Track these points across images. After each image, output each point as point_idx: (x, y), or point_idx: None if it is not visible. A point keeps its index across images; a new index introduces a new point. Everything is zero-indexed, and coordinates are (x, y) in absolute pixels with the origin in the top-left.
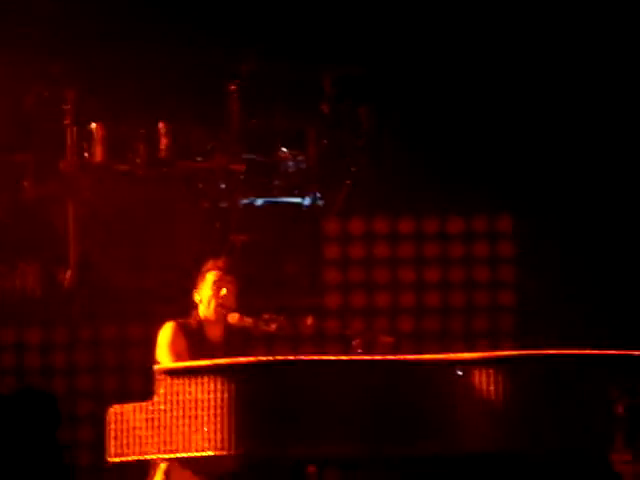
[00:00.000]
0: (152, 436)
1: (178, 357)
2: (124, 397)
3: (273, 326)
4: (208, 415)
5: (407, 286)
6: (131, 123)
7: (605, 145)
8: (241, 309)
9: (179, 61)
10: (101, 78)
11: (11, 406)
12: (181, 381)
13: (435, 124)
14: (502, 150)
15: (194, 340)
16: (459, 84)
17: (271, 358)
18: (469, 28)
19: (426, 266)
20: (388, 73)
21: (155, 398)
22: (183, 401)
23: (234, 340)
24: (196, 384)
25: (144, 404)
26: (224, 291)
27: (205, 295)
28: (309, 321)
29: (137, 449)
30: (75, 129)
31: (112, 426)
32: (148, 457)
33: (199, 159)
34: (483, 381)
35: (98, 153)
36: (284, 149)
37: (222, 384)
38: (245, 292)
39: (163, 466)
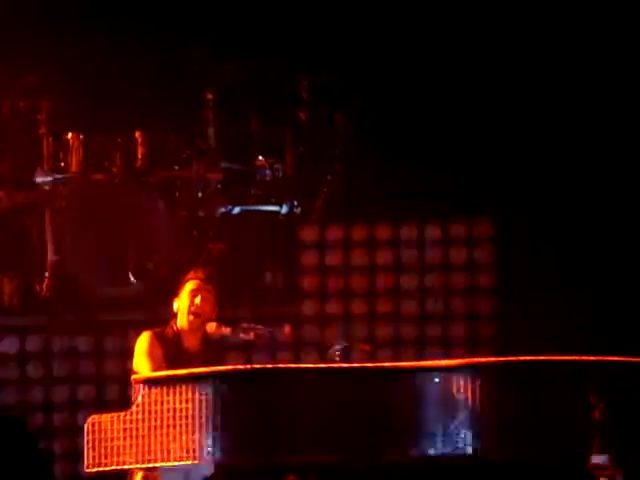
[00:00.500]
0: (130, 446)
1: (156, 366)
2: (101, 407)
3: (251, 334)
4: (186, 424)
5: (385, 293)
6: (107, 132)
7: (585, 147)
8: (219, 318)
9: (155, 69)
10: (77, 87)
11: None
12: (159, 390)
13: (413, 130)
14: (480, 155)
15: (170, 350)
16: (436, 91)
17: (249, 367)
18: (446, 37)
19: (404, 273)
20: (365, 80)
21: (133, 408)
22: (161, 410)
23: (211, 349)
24: (174, 393)
25: (122, 414)
26: (198, 299)
27: (182, 304)
28: (287, 329)
29: (115, 459)
30: (51, 139)
31: (90, 436)
32: (126, 467)
33: (176, 168)
34: (461, 388)
35: (74, 163)
36: (261, 157)
37: (200, 393)
38: (223, 301)
39: (140, 475)
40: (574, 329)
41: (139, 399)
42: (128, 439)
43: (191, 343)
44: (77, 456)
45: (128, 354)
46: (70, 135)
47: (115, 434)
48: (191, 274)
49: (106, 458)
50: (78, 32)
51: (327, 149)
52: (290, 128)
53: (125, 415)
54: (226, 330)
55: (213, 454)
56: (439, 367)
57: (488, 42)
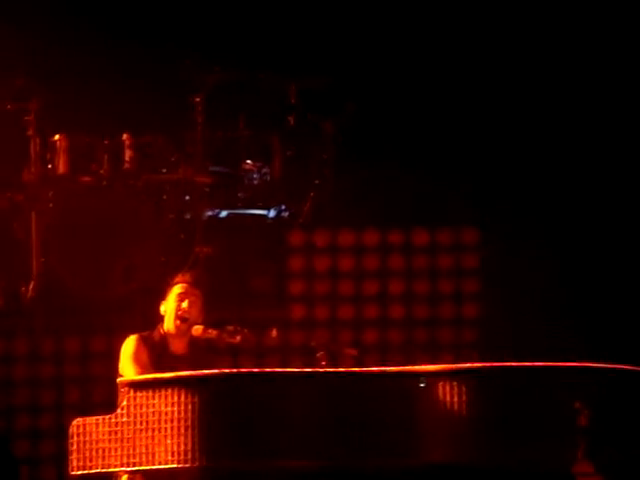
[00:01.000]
0: (115, 449)
1: (142, 370)
2: (87, 410)
3: (237, 338)
4: (171, 428)
5: (372, 298)
6: (95, 134)
7: (571, 156)
8: (205, 321)
9: (144, 72)
10: (65, 90)
11: None
12: (144, 394)
13: (401, 137)
14: (468, 162)
15: (156, 353)
16: (425, 98)
17: (235, 370)
18: (435, 45)
19: (391, 278)
20: (353, 85)
21: (118, 411)
22: (146, 414)
23: (198, 353)
24: (159, 397)
25: (107, 417)
26: (185, 304)
27: (169, 308)
28: (273, 333)
29: (100, 462)
30: (38, 140)
31: (75, 439)
32: (111, 470)
33: (163, 171)
34: (447, 393)
35: (61, 164)
36: (249, 161)
37: (185, 397)
38: (209, 304)
39: (125, 478)
40: (560, 335)
41: (124, 402)
42: (113, 442)
43: (177, 347)
44: (62, 459)
45: (115, 356)
46: (57, 137)
47: (100, 437)
48: (178, 277)
49: (91, 461)
50: (67, 35)
51: (315, 154)
52: (278, 132)
53: (110, 418)
54: (212, 333)
55: (198, 458)
56: (425, 372)
57: (475, 51)
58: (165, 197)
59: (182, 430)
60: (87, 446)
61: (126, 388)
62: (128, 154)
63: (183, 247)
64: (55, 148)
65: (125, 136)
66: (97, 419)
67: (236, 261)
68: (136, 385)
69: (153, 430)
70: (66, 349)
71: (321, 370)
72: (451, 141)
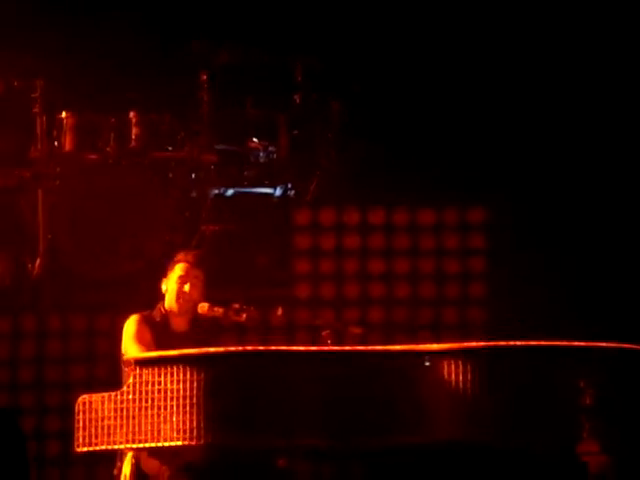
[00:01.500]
0: (121, 426)
1: (145, 348)
2: (92, 387)
3: (243, 316)
4: (177, 405)
5: (377, 277)
6: (101, 112)
7: (578, 138)
8: (211, 299)
9: (150, 50)
10: (71, 67)
11: None
12: (150, 371)
13: (407, 116)
14: (474, 141)
15: (158, 332)
16: (432, 78)
17: (241, 348)
18: (442, 23)
19: (396, 257)
20: (360, 64)
21: (124, 388)
22: (152, 391)
23: (201, 331)
24: (165, 374)
25: (113, 394)
26: (187, 287)
27: (171, 287)
28: (279, 311)
29: (105, 439)
30: (45, 117)
31: (80, 416)
32: (116, 447)
33: (170, 149)
34: (452, 372)
35: (68, 142)
36: (255, 139)
37: (191, 374)
38: (215, 282)
39: (130, 455)
40: (565, 314)
41: (130, 379)
42: (119, 419)
43: (179, 325)
44: (68, 435)
45: (120, 334)
46: (64, 114)
47: (106, 414)
48: (180, 256)
49: (96, 438)
50: (74, 12)
51: (321, 132)
52: (284, 111)
53: (116, 395)
54: (218, 311)
55: (204, 435)
56: (430, 351)
57: (482, 32)
58: (171, 175)
59: (188, 408)
60: (93, 423)
61: (132, 365)
62: (134, 132)
63: (189, 225)
64: (62, 126)
65: (132, 114)
66: (103, 396)
67: (242, 239)
68: (142, 362)
69: (159, 407)
70: (72, 326)
71: (326, 348)
72: (458, 120)
